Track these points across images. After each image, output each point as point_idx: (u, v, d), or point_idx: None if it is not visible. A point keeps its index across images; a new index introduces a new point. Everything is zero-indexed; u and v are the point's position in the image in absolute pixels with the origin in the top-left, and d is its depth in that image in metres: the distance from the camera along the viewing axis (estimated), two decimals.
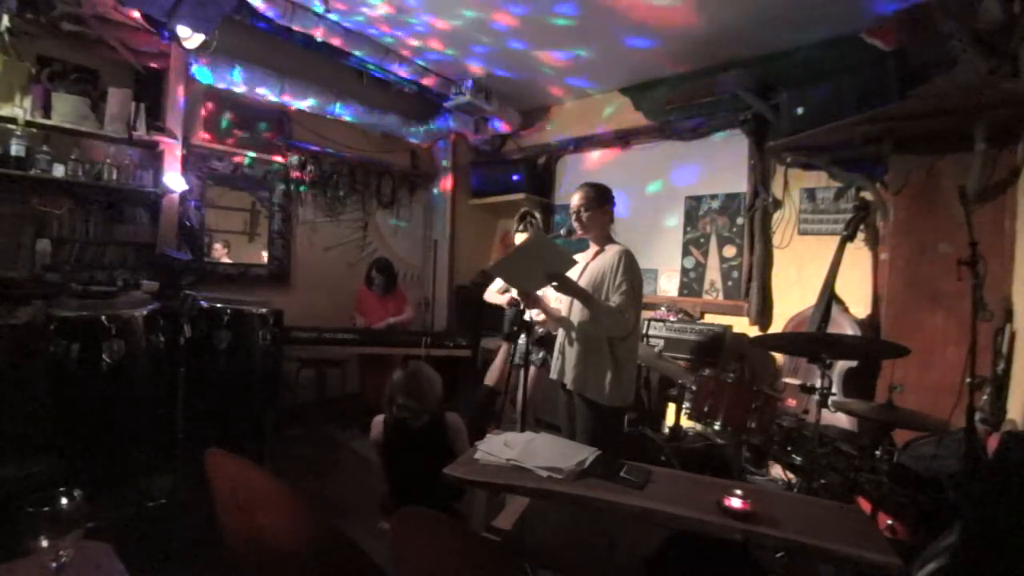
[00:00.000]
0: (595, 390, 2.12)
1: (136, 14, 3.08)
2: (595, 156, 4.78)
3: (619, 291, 2.07)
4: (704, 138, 4.04)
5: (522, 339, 2.58)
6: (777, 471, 3.09)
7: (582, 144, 4.80)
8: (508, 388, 2.78)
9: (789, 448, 2.63)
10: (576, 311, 2.20)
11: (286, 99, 4.02)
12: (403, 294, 4.55)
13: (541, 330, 3.03)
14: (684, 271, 4.16)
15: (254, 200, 4.27)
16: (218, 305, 2.88)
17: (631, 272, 2.10)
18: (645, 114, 4.34)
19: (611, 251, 2.19)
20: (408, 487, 1.95)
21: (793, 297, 3.54)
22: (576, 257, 2.35)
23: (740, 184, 3.84)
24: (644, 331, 3.83)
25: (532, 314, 2.47)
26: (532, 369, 3.04)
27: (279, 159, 4.24)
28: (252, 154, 4.08)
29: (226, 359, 2.84)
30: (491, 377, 3.56)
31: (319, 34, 3.67)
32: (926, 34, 2.83)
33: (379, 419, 2.04)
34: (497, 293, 3.17)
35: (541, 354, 3.12)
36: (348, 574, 0.99)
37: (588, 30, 3.54)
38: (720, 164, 3.96)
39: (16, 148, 2.83)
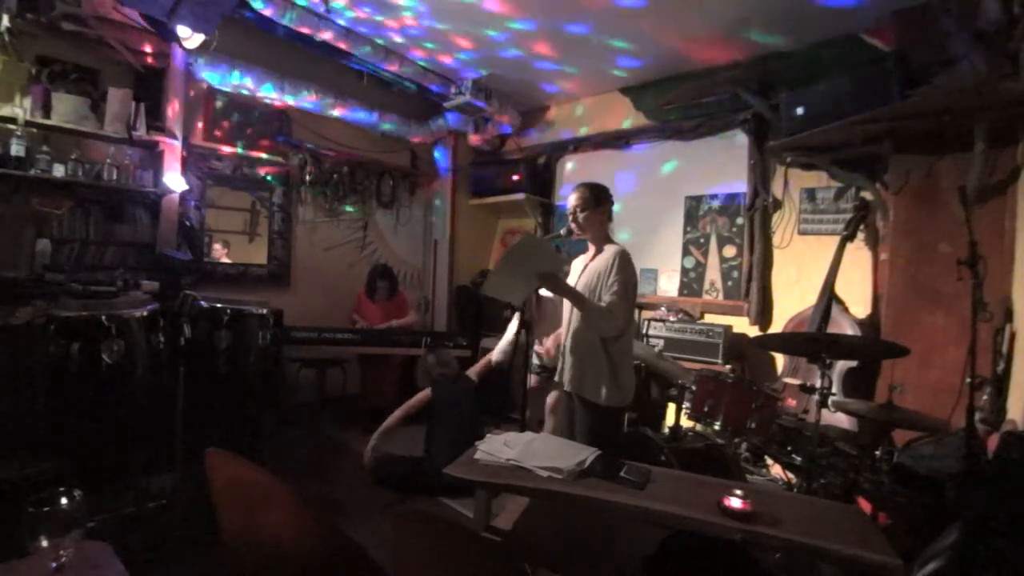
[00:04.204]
0: (592, 391, 2.12)
1: (136, 14, 3.08)
2: (595, 156, 4.77)
3: (611, 291, 2.06)
4: (704, 138, 4.03)
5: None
6: (777, 471, 3.09)
7: (582, 144, 4.80)
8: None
9: (789, 448, 2.62)
10: (574, 313, 2.20)
11: (286, 99, 4.02)
12: (405, 299, 4.55)
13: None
14: (684, 271, 4.16)
15: (254, 200, 4.27)
16: (218, 305, 2.87)
17: (624, 272, 2.08)
18: (645, 114, 4.34)
19: (608, 251, 2.18)
20: (448, 426, 3.08)
21: (793, 297, 3.54)
22: (578, 258, 2.35)
23: (740, 184, 3.84)
24: (644, 331, 3.83)
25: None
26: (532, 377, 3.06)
27: (279, 159, 4.24)
28: (252, 154, 4.08)
29: (226, 359, 2.83)
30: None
31: (319, 34, 3.67)
32: (926, 34, 2.83)
33: (428, 390, 3.26)
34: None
35: (537, 363, 3.12)
36: (348, 574, 0.99)
37: (590, 30, 3.54)
38: (720, 164, 3.96)
39: (16, 148, 2.84)
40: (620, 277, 2.07)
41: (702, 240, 4.07)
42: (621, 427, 2.43)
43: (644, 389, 3.71)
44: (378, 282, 4.32)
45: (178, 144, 3.49)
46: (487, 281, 2.10)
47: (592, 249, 2.30)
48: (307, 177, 4.40)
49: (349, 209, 4.77)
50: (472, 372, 3.44)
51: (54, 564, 0.87)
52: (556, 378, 2.33)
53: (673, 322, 3.83)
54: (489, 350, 4.51)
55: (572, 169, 4.97)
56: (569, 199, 2.25)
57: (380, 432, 3.15)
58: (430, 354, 3.49)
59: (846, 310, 3.23)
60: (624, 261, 2.10)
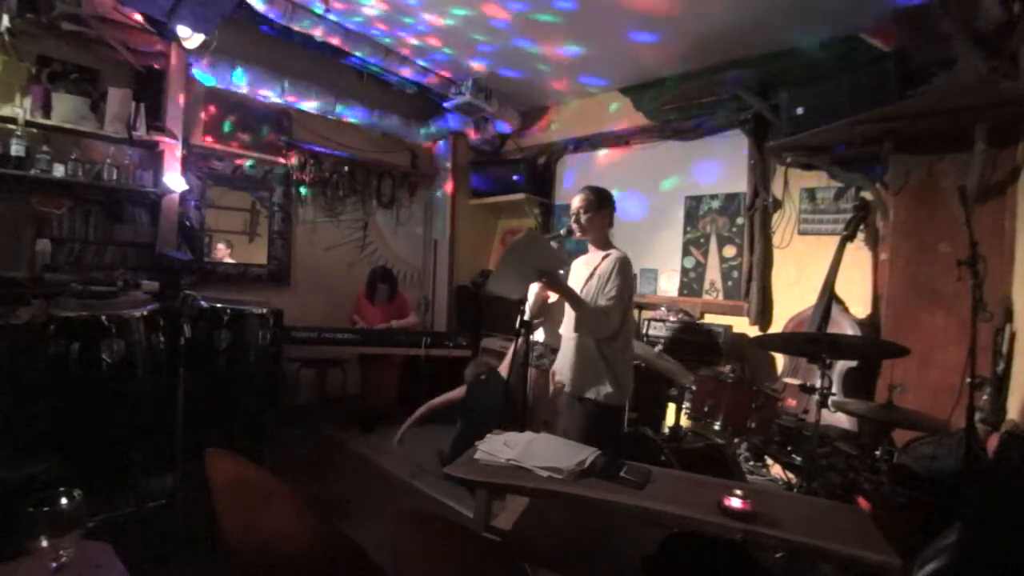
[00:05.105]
0: (592, 390, 2.15)
1: (136, 14, 3.08)
2: (595, 156, 4.77)
3: (607, 295, 2.13)
4: (704, 138, 4.03)
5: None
6: (777, 471, 3.09)
7: (582, 144, 4.80)
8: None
9: (789, 448, 2.62)
10: (570, 313, 2.22)
11: (287, 99, 4.02)
12: (405, 300, 4.55)
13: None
14: (684, 271, 4.16)
15: (254, 200, 4.27)
16: (218, 305, 2.88)
17: (622, 278, 2.14)
18: (645, 114, 4.34)
19: (612, 257, 2.22)
20: (479, 414, 3.07)
21: (793, 297, 3.54)
22: (579, 259, 2.36)
23: (740, 184, 3.84)
24: (644, 331, 3.83)
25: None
26: (533, 370, 3.05)
27: (279, 159, 4.24)
28: (252, 154, 4.08)
29: (226, 359, 2.84)
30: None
31: (319, 34, 3.67)
32: (926, 34, 2.83)
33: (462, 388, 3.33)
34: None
35: (543, 358, 3.12)
36: (348, 574, 0.99)
37: (588, 26, 3.54)
38: (720, 164, 3.96)
39: (16, 148, 2.83)
40: (618, 282, 2.13)
41: (702, 240, 4.07)
42: (621, 426, 2.44)
43: (644, 389, 3.71)
44: (378, 284, 4.31)
45: (178, 144, 3.49)
46: (492, 279, 2.13)
47: (593, 251, 2.33)
48: (307, 177, 4.40)
49: (349, 209, 4.77)
50: (503, 368, 3.41)
51: (54, 564, 0.87)
52: (556, 377, 2.35)
53: (673, 322, 3.83)
54: (489, 350, 4.53)
55: (572, 169, 4.96)
56: (573, 201, 2.29)
57: (409, 423, 3.31)
58: (469, 366, 3.53)
59: (846, 310, 3.22)
60: (623, 267, 2.16)
